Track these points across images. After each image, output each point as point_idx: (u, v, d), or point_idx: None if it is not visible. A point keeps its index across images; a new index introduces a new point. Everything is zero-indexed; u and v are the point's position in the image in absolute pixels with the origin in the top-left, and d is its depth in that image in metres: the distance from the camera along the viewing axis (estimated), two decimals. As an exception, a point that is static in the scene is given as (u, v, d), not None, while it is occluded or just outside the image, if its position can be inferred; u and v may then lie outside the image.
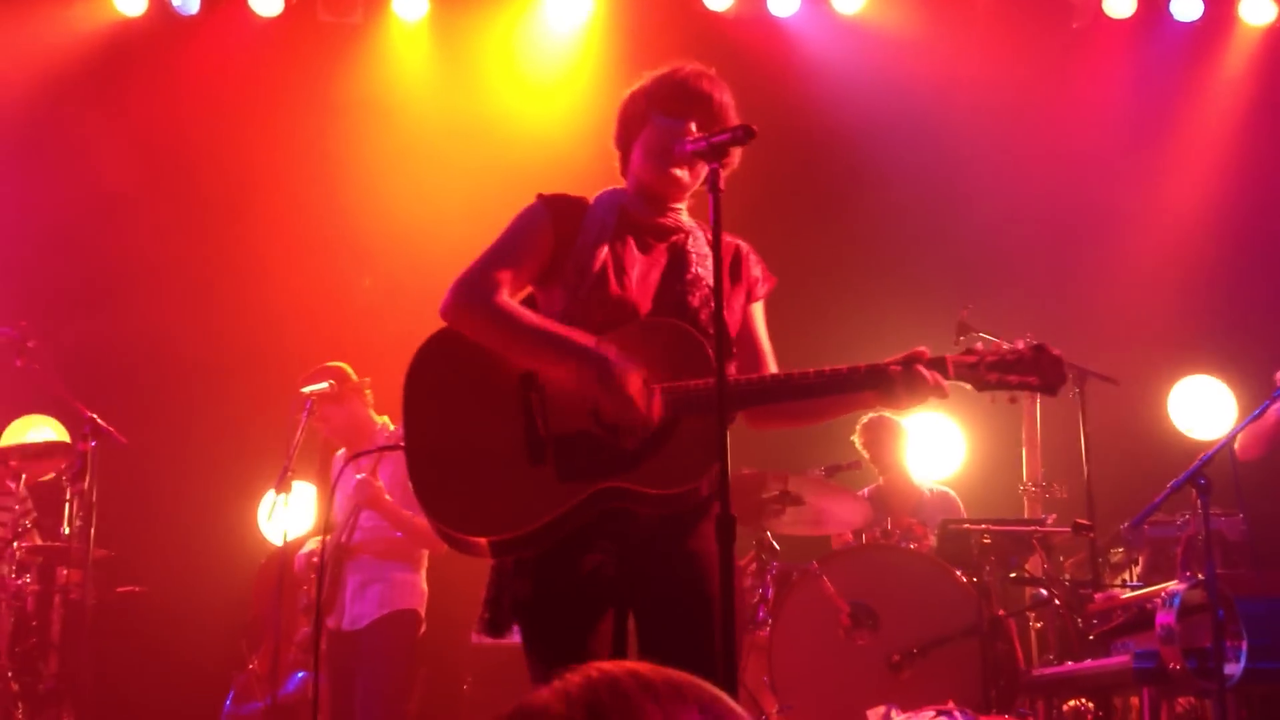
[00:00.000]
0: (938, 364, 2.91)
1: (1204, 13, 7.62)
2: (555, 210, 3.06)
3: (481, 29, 7.87)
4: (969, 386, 2.96)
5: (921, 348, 2.92)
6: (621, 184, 3.19)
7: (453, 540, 2.92)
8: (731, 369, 3.03)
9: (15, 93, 7.54)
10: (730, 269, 3.12)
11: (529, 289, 3.10)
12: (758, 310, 3.20)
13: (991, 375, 2.92)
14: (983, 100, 7.52)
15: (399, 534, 5.39)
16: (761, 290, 3.20)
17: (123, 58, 7.67)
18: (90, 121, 7.64)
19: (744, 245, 3.20)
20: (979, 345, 2.96)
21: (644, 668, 1.22)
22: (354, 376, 5.65)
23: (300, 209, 7.70)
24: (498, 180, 7.50)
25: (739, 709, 1.23)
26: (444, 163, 7.75)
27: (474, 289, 2.95)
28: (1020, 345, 2.94)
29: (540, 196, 3.10)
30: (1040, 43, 7.65)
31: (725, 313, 2.97)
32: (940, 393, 2.90)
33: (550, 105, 7.82)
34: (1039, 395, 6.41)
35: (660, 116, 3.05)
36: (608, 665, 1.23)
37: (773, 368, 3.16)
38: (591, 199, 3.13)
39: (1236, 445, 5.11)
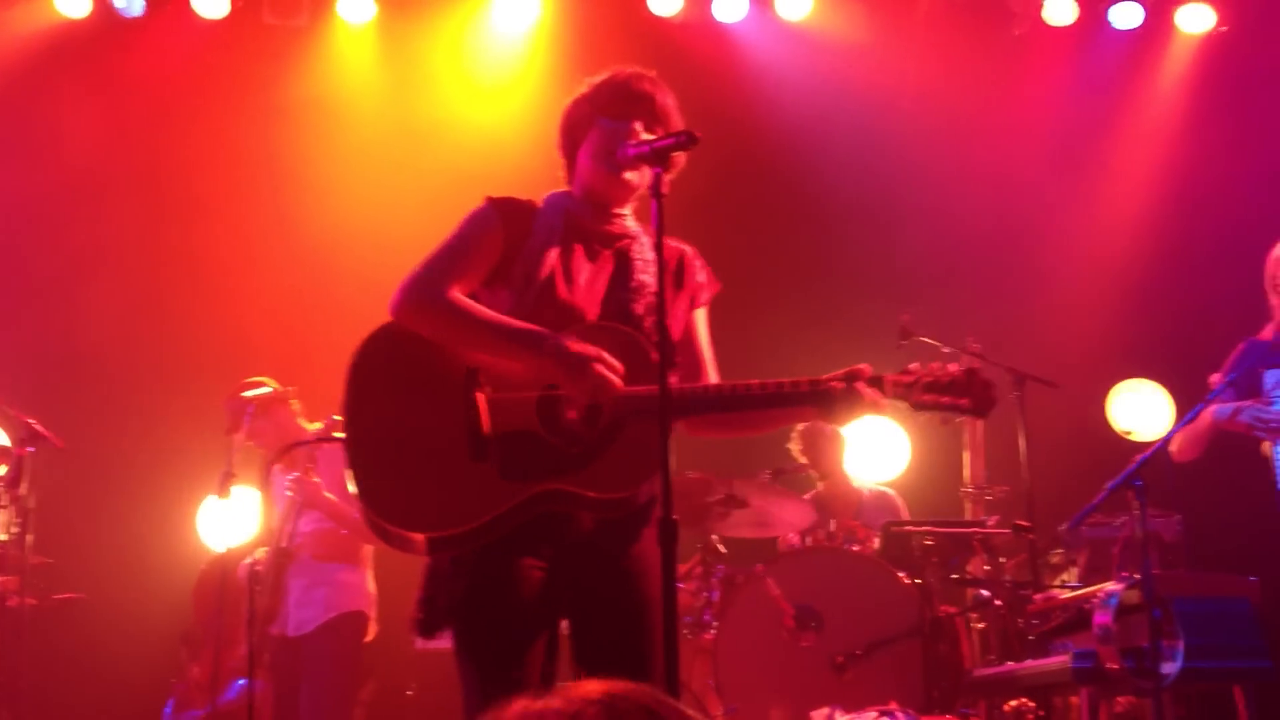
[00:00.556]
0: (876, 382, 2.95)
1: (1143, 21, 7.73)
2: (504, 213, 3.07)
3: (428, 32, 7.85)
4: (903, 404, 3.00)
5: (863, 365, 2.96)
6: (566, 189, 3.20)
7: (387, 535, 2.89)
8: (674, 378, 3.03)
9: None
10: (674, 275, 3.14)
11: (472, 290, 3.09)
12: (700, 317, 3.21)
13: (926, 396, 2.96)
14: (924, 106, 7.59)
15: (343, 531, 5.36)
16: (705, 296, 3.21)
17: (65, 60, 7.57)
18: (32, 124, 7.54)
19: (689, 250, 3.22)
20: (915, 365, 3.00)
21: (596, 690, 1.19)
22: (276, 386, 5.62)
23: (245, 212, 7.64)
24: (445, 183, 7.48)
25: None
26: (391, 165, 7.72)
27: (425, 287, 2.95)
28: (954, 368, 2.99)
29: (489, 199, 3.10)
30: (981, 49, 7.72)
31: (668, 319, 2.98)
32: (877, 409, 2.95)
33: (498, 108, 7.81)
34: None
35: (604, 120, 3.07)
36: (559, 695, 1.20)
37: (713, 375, 3.17)
38: (540, 201, 3.13)
39: (1173, 447, 5.19)
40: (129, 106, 7.59)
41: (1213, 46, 7.82)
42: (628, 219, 3.15)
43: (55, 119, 7.53)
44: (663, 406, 2.71)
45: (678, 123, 3.09)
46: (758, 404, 2.95)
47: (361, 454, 2.91)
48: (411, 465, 2.88)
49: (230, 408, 5.53)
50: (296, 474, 5.33)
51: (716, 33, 7.78)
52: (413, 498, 2.87)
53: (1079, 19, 7.68)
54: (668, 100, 3.10)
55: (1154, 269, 7.59)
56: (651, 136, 3.02)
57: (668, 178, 2.92)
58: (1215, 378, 5.25)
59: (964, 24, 7.73)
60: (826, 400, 2.92)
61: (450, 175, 7.40)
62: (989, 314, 7.10)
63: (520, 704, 1.20)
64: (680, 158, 3.04)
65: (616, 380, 2.84)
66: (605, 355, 2.85)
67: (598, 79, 3.16)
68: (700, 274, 3.20)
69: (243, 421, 5.53)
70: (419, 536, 2.86)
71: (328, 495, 5.34)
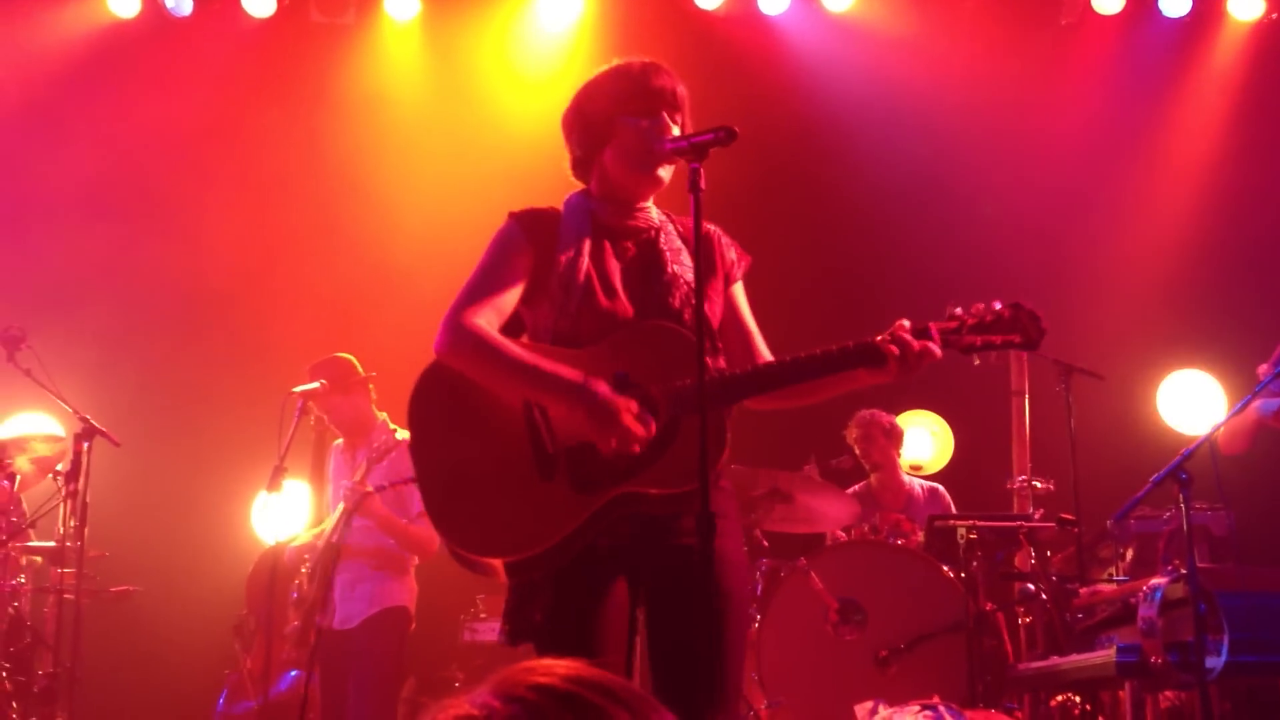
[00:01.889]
0: (923, 332, 2.92)
1: (1192, 8, 7.64)
2: (528, 226, 3.08)
3: (473, 28, 7.91)
4: (953, 351, 2.96)
5: (901, 319, 2.93)
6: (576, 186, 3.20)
7: (469, 563, 2.94)
8: (722, 360, 3.06)
9: (7, 95, 7.57)
10: (704, 258, 3.07)
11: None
12: (739, 292, 3.20)
13: (975, 338, 2.95)
14: (971, 96, 7.54)
15: (390, 542, 5.42)
16: (739, 271, 3.20)
17: (116, 59, 7.70)
18: (84, 123, 7.67)
19: (714, 229, 3.20)
20: (958, 310, 2.96)
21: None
22: (360, 369, 5.67)
23: (294, 209, 7.73)
24: (491, 177, 7.54)
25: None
26: (437, 160, 7.78)
27: (462, 327, 2.95)
28: (998, 305, 2.97)
29: (511, 215, 3.11)
30: (1029, 39, 7.67)
31: (706, 305, 2.99)
32: (931, 356, 2.90)
33: (542, 103, 7.83)
34: (1027, 392, 6.49)
35: (630, 118, 3.05)
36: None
37: (762, 347, 3.16)
38: (561, 206, 3.13)
39: (1220, 441, 5.13)
40: (179, 104, 7.70)
41: (1263, 35, 7.72)
42: (650, 210, 3.15)
43: (107, 117, 7.65)
44: (700, 398, 2.71)
45: (688, 113, 3.09)
46: (805, 375, 2.94)
47: (434, 488, 2.95)
48: (484, 493, 2.92)
49: (293, 391, 5.61)
50: (352, 481, 5.39)
51: (760, 25, 7.78)
52: (489, 524, 2.91)
53: (1127, 7, 7.61)
54: (683, 90, 3.10)
55: (1205, 258, 7.49)
56: (680, 131, 3.02)
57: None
58: (1263, 368, 5.19)
59: (1011, 13, 7.68)
60: (875, 358, 2.89)
61: (497, 169, 7.46)
62: (1035, 306, 7.04)
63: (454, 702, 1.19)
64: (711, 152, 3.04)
65: (642, 434, 2.84)
66: (634, 407, 2.85)
67: (607, 72, 3.14)
68: (730, 251, 3.19)
69: (293, 416, 5.59)
70: (497, 562, 2.91)
71: (379, 506, 5.38)
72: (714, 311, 3.09)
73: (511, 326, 3.05)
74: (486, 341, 2.94)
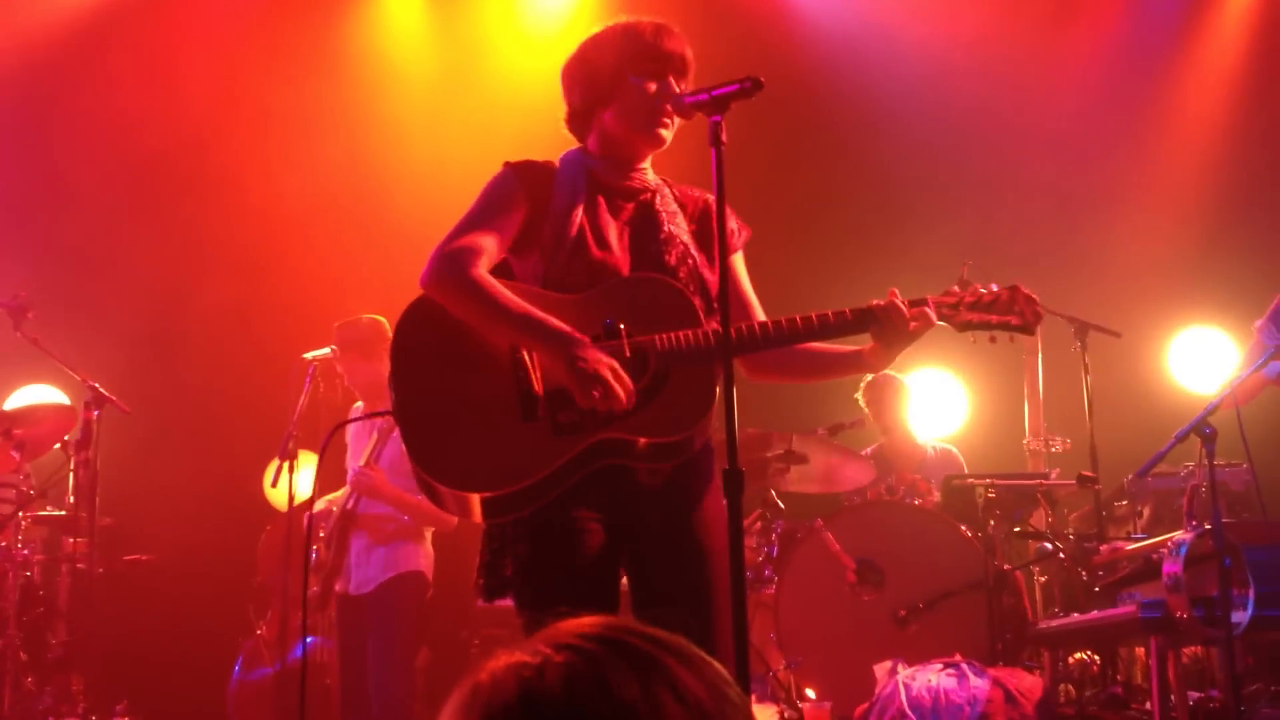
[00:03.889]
0: (919, 303, 2.95)
1: (1204, -41, 7.57)
2: (524, 176, 3.04)
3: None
4: (949, 327, 3.01)
5: (892, 289, 2.95)
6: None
7: (441, 498, 2.89)
8: (714, 324, 3.02)
9: (11, 60, 7.50)
10: (702, 225, 3.11)
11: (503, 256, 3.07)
12: (738, 261, 3.18)
13: (972, 315, 2.99)
14: (981, 52, 7.48)
15: (404, 518, 5.38)
16: (738, 241, 3.18)
17: (119, 23, 7.63)
18: (89, 87, 7.60)
19: (713, 199, 3.15)
20: (955, 287, 3.01)
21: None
22: (390, 333, 5.57)
23: (302, 171, 7.66)
24: (497, 137, 7.48)
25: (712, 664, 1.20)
26: (445, 119, 7.73)
27: (452, 261, 2.91)
28: (996, 287, 3.01)
29: (508, 164, 3.07)
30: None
31: (705, 269, 3.02)
32: (926, 323, 2.94)
33: (550, 60, 7.77)
34: (1040, 351, 6.47)
35: (637, 79, 3.02)
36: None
37: (761, 317, 3.14)
38: (557, 161, 3.10)
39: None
40: (184, 67, 7.63)
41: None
42: (648, 173, 3.13)
43: (112, 82, 7.57)
44: (726, 349, 2.68)
45: (693, 79, 3.05)
46: (802, 337, 2.94)
47: (412, 420, 2.90)
48: (464, 428, 2.87)
49: (304, 357, 5.56)
50: (360, 466, 5.34)
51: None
52: (467, 460, 2.85)
53: (1138, -40, 7.54)
54: (691, 55, 3.07)
55: (1218, 213, 7.44)
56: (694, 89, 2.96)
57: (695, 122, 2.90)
58: (1260, 324, 5.20)
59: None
60: (873, 323, 2.92)
61: (504, 127, 7.40)
62: (1048, 263, 7.02)
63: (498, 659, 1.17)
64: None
65: (622, 397, 2.79)
66: (618, 369, 2.80)
67: (615, 27, 3.09)
68: (730, 220, 3.14)
69: (304, 384, 5.56)
70: (475, 497, 2.85)
71: (387, 485, 5.34)
72: (711, 277, 3.06)
73: (498, 274, 2.99)
74: (473, 279, 2.89)
